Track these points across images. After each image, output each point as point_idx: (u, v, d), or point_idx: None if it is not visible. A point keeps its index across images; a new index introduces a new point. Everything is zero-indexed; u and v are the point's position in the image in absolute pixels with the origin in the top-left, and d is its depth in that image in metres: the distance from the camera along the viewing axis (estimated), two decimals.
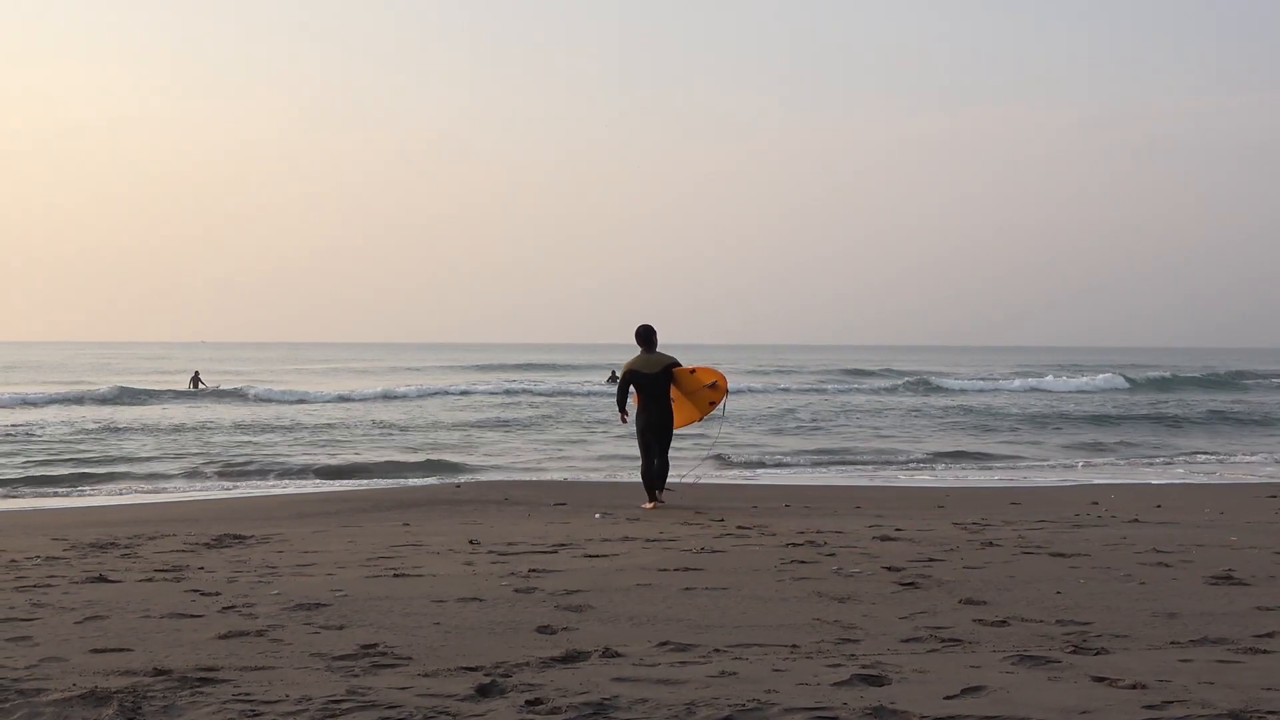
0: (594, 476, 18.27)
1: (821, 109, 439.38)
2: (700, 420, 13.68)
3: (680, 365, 13.14)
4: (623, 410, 13.07)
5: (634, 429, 13.12)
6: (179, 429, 26.47)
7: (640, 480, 13.30)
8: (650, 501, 12.93)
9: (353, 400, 38.65)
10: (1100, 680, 4.66)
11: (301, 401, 37.94)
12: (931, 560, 8.10)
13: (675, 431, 13.13)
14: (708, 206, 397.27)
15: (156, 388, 42.49)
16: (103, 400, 36.87)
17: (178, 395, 40.06)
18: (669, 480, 13.22)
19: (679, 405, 13.18)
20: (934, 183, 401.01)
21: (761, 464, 20.82)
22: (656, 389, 12.88)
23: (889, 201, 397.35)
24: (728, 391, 13.32)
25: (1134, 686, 4.55)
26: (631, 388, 13.00)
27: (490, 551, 8.72)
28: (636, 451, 13.30)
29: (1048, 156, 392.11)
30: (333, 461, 20.62)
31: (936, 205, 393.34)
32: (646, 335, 13.08)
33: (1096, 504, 13.19)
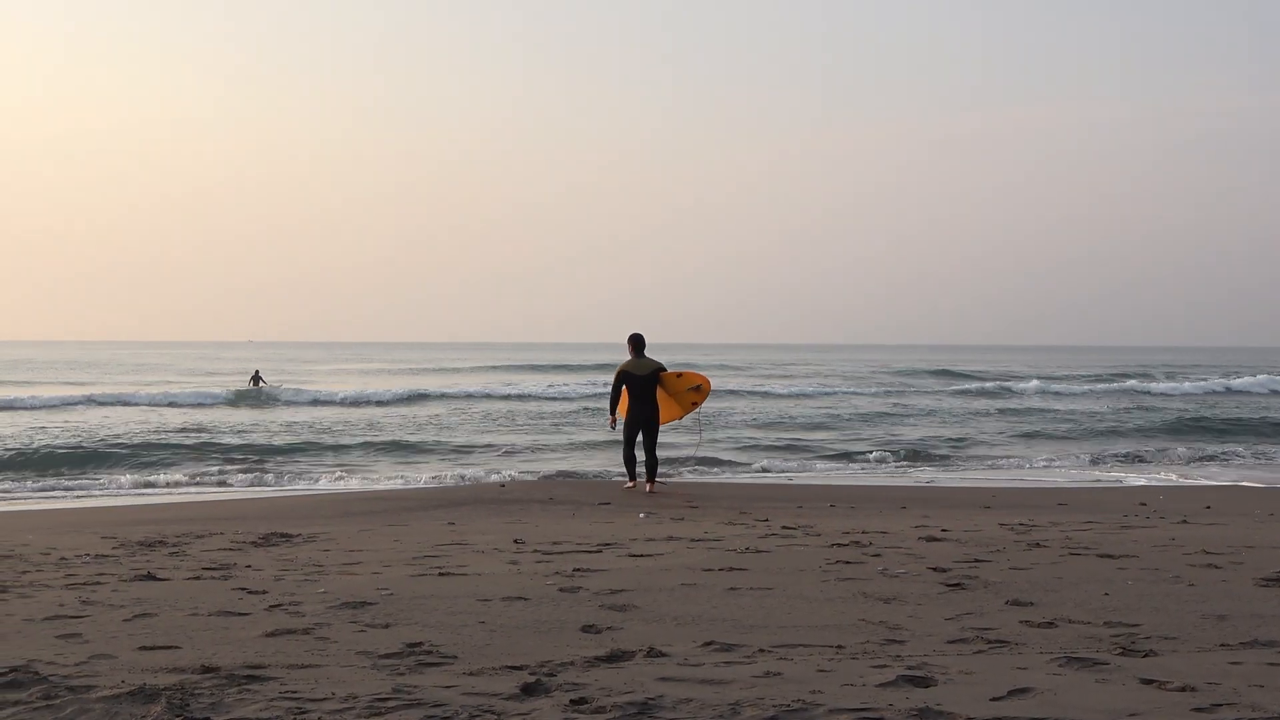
0: None
1: (857, 109, 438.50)
2: (681, 418, 15.57)
3: (666, 370, 14.82)
4: (613, 414, 14.64)
5: (623, 423, 14.74)
6: (233, 427, 26.70)
7: (623, 465, 15.03)
8: (631, 481, 14.68)
9: (398, 401, 38.71)
10: (1149, 682, 4.62)
11: (349, 403, 38.08)
12: (978, 561, 8.05)
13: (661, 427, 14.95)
14: (747, 207, 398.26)
15: (216, 388, 42.64)
16: (192, 403, 36.47)
17: (244, 395, 40.00)
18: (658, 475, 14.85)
19: (663, 405, 14.86)
20: (970, 182, 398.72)
21: (809, 464, 20.77)
22: (645, 390, 14.51)
23: (925, 201, 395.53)
24: (709, 394, 15.16)
25: (1183, 689, 4.51)
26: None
27: (535, 551, 8.74)
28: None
29: (1084, 154, 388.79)
30: (380, 459, 20.73)
31: (972, 204, 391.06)
32: (637, 342, 14.77)
33: (1145, 505, 13.07)
